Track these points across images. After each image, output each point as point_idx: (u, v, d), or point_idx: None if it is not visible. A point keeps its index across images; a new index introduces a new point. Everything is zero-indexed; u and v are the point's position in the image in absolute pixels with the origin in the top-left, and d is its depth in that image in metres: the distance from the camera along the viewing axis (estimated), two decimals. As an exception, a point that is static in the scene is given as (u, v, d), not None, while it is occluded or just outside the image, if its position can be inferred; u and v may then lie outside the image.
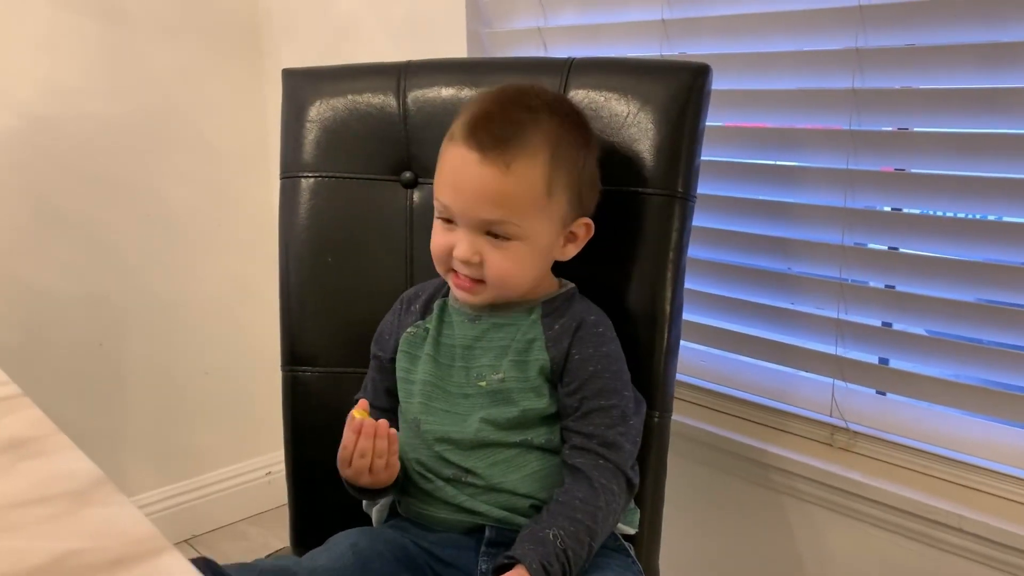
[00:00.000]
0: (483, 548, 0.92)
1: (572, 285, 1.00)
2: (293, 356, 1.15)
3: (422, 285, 1.06)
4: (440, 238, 0.94)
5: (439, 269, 0.96)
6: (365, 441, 0.88)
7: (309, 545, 0.96)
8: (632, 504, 0.98)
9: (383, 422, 0.89)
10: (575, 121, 0.94)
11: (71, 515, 0.56)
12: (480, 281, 0.92)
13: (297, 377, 1.14)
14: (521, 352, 0.94)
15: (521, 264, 0.92)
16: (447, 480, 0.93)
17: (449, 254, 0.92)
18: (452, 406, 0.95)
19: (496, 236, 0.90)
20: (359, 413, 0.90)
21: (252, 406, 2.04)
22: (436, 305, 1.00)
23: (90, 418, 1.82)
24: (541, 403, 0.92)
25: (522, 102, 0.92)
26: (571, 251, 0.97)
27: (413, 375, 0.98)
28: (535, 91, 0.94)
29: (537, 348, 0.93)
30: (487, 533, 0.92)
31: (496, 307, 0.96)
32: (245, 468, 2.09)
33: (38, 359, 1.75)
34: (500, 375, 0.93)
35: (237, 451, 2.07)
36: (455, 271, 0.94)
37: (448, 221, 0.93)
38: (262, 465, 2.10)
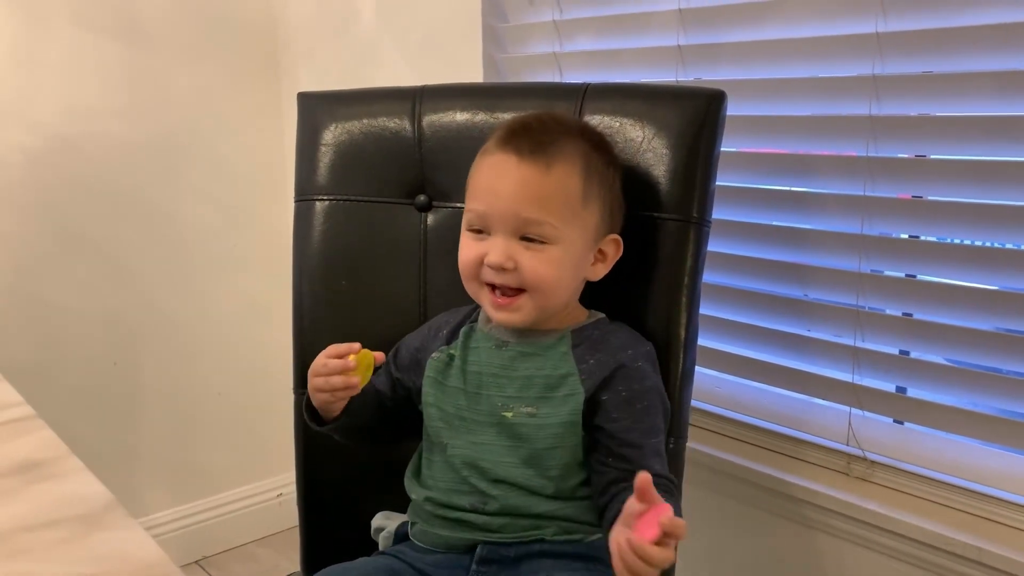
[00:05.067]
0: (473, 567, 0.91)
1: (602, 315, 0.98)
2: (306, 378, 1.14)
3: (453, 312, 1.04)
4: (469, 250, 0.93)
5: (469, 286, 0.95)
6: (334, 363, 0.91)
7: (319, 567, 0.95)
8: None
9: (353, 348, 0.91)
10: (603, 143, 0.97)
11: (81, 539, 0.56)
12: (518, 292, 0.91)
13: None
14: (553, 388, 0.91)
15: (558, 268, 0.90)
16: (467, 510, 0.92)
17: (479, 264, 0.91)
18: (479, 435, 0.93)
19: (531, 241, 0.90)
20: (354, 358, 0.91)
21: (264, 427, 2.04)
22: (462, 331, 0.99)
23: (103, 437, 1.82)
24: (573, 439, 0.90)
25: (555, 119, 0.95)
26: (601, 271, 0.96)
27: (441, 403, 0.96)
28: (564, 115, 0.99)
29: (571, 383, 0.91)
30: (478, 551, 0.91)
31: (523, 334, 0.95)
32: (256, 489, 2.08)
33: (53, 377, 1.76)
34: (530, 408, 0.91)
35: (249, 472, 2.07)
36: (489, 286, 0.92)
37: (478, 232, 0.92)
38: (273, 486, 2.10)
